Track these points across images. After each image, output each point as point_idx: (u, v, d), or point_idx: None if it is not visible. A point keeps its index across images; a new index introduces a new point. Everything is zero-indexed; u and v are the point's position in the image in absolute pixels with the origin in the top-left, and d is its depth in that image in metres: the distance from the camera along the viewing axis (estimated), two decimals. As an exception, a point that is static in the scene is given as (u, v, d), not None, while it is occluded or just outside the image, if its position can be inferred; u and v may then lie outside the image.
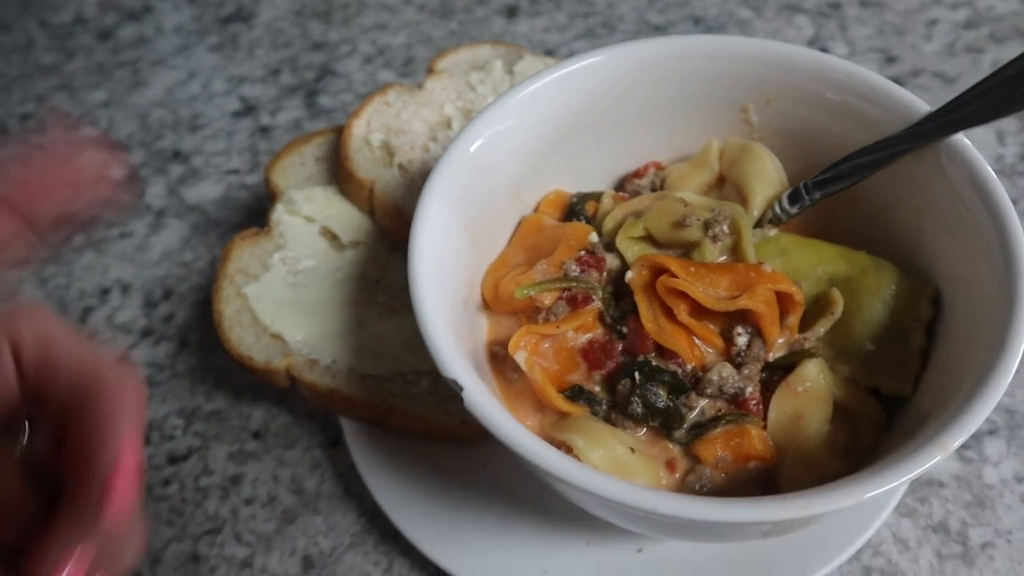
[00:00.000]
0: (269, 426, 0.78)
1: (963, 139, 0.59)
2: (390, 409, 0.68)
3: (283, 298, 0.73)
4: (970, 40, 1.05)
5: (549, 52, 1.09)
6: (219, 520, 0.73)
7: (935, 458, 0.47)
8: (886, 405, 0.61)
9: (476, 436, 0.68)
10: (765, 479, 0.57)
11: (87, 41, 1.20)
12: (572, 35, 1.11)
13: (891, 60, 1.04)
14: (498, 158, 0.65)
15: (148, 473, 0.76)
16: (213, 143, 1.04)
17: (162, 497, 0.74)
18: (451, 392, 0.69)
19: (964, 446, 0.72)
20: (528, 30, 1.13)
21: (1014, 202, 0.87)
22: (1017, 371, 0.75)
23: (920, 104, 0.62)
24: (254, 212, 0.95)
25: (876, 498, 0.63)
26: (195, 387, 0.81)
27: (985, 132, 0.94)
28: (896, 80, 0.98)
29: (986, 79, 0.57)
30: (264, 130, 1.05)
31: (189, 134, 1.06)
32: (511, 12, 1.15)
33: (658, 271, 0.61)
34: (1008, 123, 0.95)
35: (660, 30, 1.10)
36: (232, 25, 1.19)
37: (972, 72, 1.02)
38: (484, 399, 0.50)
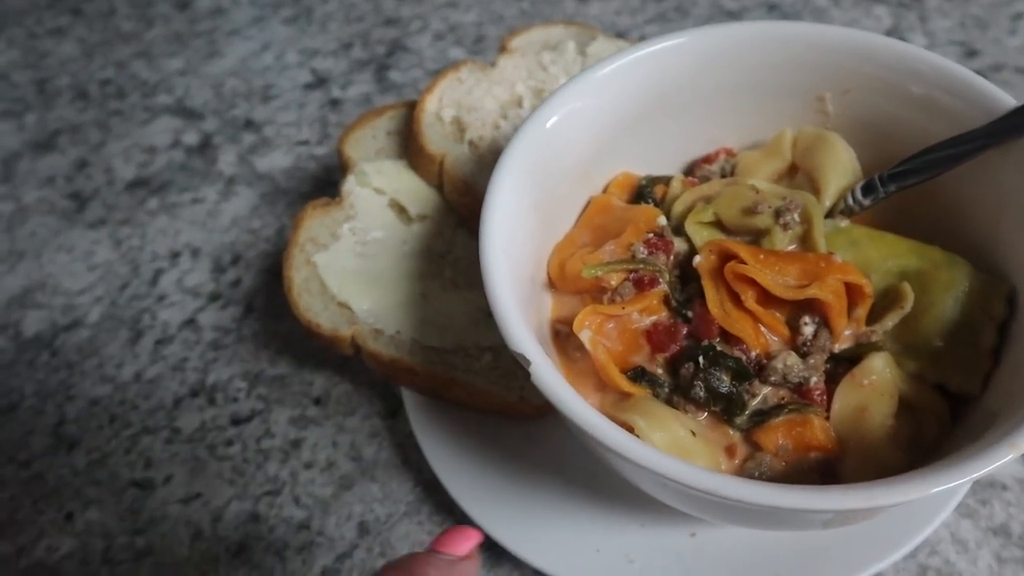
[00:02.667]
0: (330, 393, 0.79)
1: (1049, 136, 0.58)
2: (451, 381, 0.68)
3: (351, 268, 0.74)
4: (1056, 36, 1.02)
5: (620, 34, 1.08)
6: (279, 482, 0.74)
7: (1006, 457, 0.46)
8: (952, 403, 0.60)
9: (534, 412, 0.69)
10: (825, 470, 0.57)
11: (166, 10, 1.23)
12: (644, 18, 1.11)
13: (972, 54, 1.01)
14: (571, 137, 0.65)
15: (212, 433, 0.78)
16: (284, 114, 1.06)
17: (225, 457, 0.76)
18: (513, 367, 0.70)
19: (1030, 450, 0.70)
20: (600, 12, 1.12)
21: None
22: (1090, 376, 0.73)
23: (1005, 98, 0.60)
24: (322, 183, 0.97)
25: (938, 496, 0.63)
26: (259, 352, 0.83)
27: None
28: (977, 75, 0.97)
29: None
30: (334, 103, 1.06)
31: (261, 104, 1.08)
32: (583, -7, 1.15)
33: (726, 257, 0.60)
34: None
35: (734, 16, 1.09)
36: (306, -2, 1.21)
37: (1056, 69, 0.99)
38: (551, 374, 0.51)
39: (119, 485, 0.76)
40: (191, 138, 1.05)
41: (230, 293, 0.88)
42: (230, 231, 0.94)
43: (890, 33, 1.04)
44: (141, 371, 0.83)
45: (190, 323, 0.86)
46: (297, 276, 0.73)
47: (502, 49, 0.89)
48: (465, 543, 0.50)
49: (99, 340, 0.86)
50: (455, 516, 0.71)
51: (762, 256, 0.60)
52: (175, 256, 0.93)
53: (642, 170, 0.72)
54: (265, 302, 0.87)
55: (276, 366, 0.82)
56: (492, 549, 0.69)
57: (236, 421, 0.79)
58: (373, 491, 0.73)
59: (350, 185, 0.78)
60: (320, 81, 1.09)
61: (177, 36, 1.18)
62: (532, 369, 0.51)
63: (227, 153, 1.02)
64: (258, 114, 1.06)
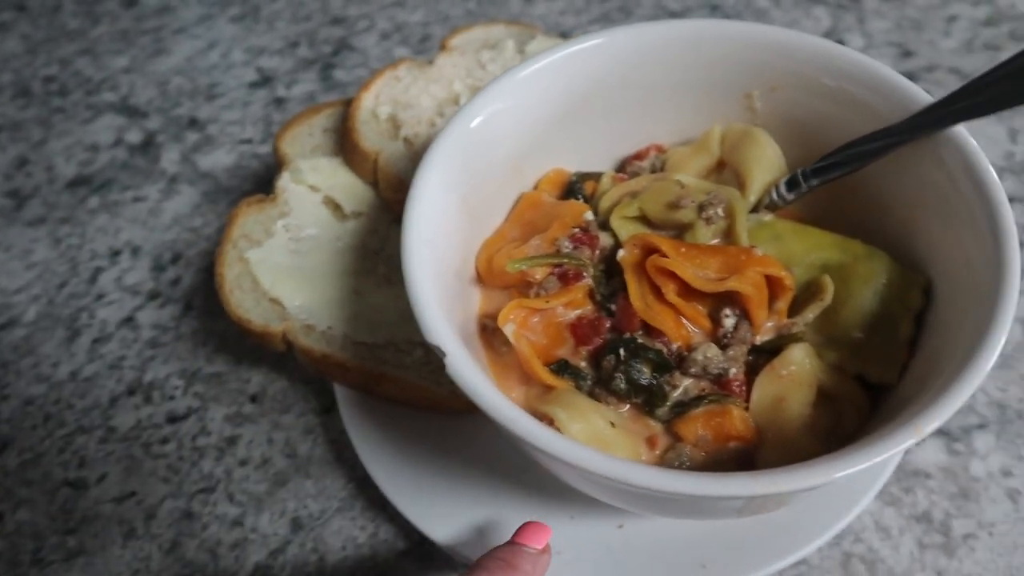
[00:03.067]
0: (266, 390, 0.79)
1: (962, 131, 0.59)
2: (382, 376, 0.69)
3: (284, 264, 0.74)
4: (989, 37, 1.04)
5: (564, 34, 1.09)
6: (213, 480, 0.74)
7: (908, 441, 0.47)
8: (872, 393, 0.61)
9: (465, 407, 0.69)
10: (744, 459, 0.58)
11: (113, 7, 1.22)
12: (588, 18, 1.12)
13: (907, 55, 1.03)
14: (498, 135, 0.66)
15: (148, 431, 0.77)
16: (229, 112, 1.05)
17: (160, 455, 0.76)
18: (440, 363, 0.70)
19: (953, 439, 0.72)
20: (545, 11, 1.13)
21: (1021, 200, 0.87)
22: (1010, 366, 0.75)
23: (922, 95, 0.62)
24: (264, 181, 0.97)
25: (855, 483, 0.64)
26: (197, 350, 0.83)
27: (997, 130, 0.94)
28: (911, 75, 0.99)
29: (986, 73, 0.57)
30: (279, 101, 1.06)
31: (206, 102, 1.07)
32: (529, -7, 1.16)
33: (649, 250, 0.61)
34: (1020, 122, 0.94)
35: (676, 16, 1.10)
36: (254, -3, 1.21)
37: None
38: (466, 366, 0.51)
39: (51, 485, 0.75)
40: (134, 136, 1.04)
41: (169, 291, 0.88)
42: (171, 229, 0.94)
43: (829, 34, 1.06)
44: (77, 370, 0.83)
45: (128, 321, 0.86)
46: (229, 273, 0.73)
47: (442, 48, 0.89)
48: (543, 536, 0.55)
49: (35, 339, 0.85)
50: (388, 512, 0.71)
51: (683, 249, 0.60)
52: (115, 255, 0.92)
53: (574, 166, 0.73)
54: (204, 300, 0.86)
55: (213, 364, 0.82)
56: (423, 544, 0.69)
57: (172, 419, 0.78)
58: (307, 487, 0.73)
59: (284, 182, 0.78)
60: (265, 80, 1.09)
61: (123, 34, 1.18)
62: (447, 360, 0.51)
63: (170, 151, 1.02)
64: (202, 112, 1.06)
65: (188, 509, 0.73)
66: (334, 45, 1.12)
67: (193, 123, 1.05)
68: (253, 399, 0.79)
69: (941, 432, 0.72)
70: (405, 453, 0.69)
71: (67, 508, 0.73)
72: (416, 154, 0.78)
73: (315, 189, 0.79)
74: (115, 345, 0.84)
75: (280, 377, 0.80)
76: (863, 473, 0.64)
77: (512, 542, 0.54)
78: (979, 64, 1.01)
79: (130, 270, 0.90)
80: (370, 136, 0.78)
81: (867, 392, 0.61)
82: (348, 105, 0.83)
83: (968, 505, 0.69)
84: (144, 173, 1.00)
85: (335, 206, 0.79)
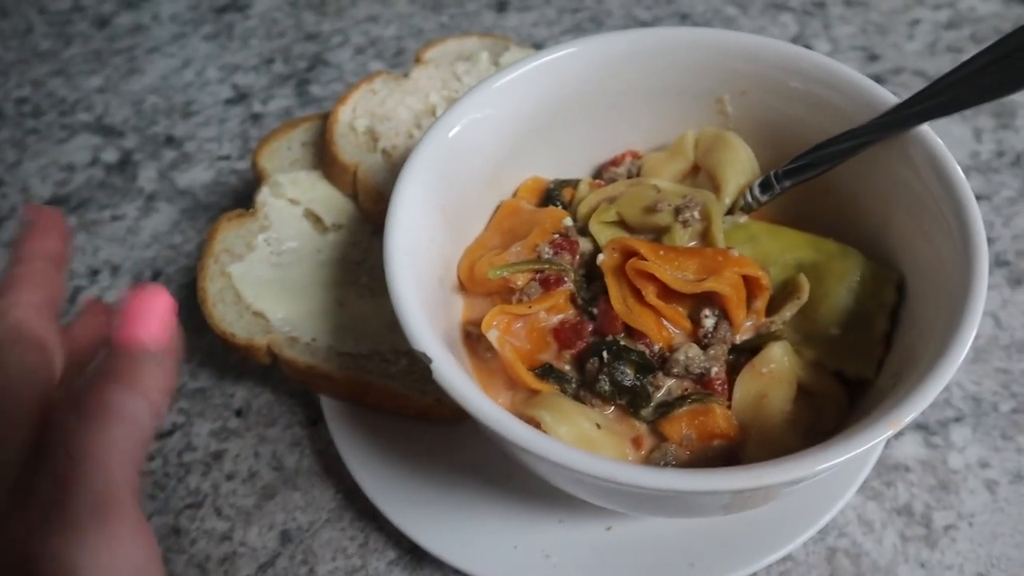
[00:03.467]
0: (251, 404, 0.79)
1: (928, 130, 0.60)
2: (368, 386, 0.69)
3: (266, 277, 0.74)
4: (951, 40, 1.07)
5: (537, 45, 1.10)
6: (200, 495, 0.74)
7: (885, 434, 0.48)
8: (850, 388, 0.62)
9: (452, 415, 0.70)
10: (729, 456, 0.59)
11: (85, 28, 1.22)
12: (560, 29, 1.13)
13: (873, 58, 1.05)
14: (476, 144, 0.66)
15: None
16: (205, 129, 1.06)
17: (145, 472, 0.76)
18: (426, 371, 0.71)
19: (931, 432, 0.73)
20: (517, 24, 1.14)
21: (988, 198, 0.89)
22: (984, 360, 0.77)
23: (888, 96, 0.63)
24: (242, 197, 0.97)
25: (836, 478, 0.66)
26: (180, 365, 0.82)
27: (962, 129, 0.96)
28: (877, 78, 1.01)
29: (950, 73, 0.58)
30: (255, 117, 1.06)
31: (182, 120, 1.07)
32: (501, 6, 1.17)
33: (628, 254, 0.62)
34: (984, 121, 0.97)
35: (647, 26, 1.12)
36: (227, 15, 1.21)
37: (953, 71, 1.03)
38: (452, 371, 0.52)
39: (36, 505, 0.75)
40: (110, 155, 1.04)
41: (150, 309, 0.88)
42: (150, 247, 0.94)
43: (796, 39, 1.08)
44: (59, 390, 0.82)
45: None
46: (211, 287, 0.73)
47: (417, 60, 0.90)
48: (158, 310, 0.44)
49: (15, 361, 0.85)
50: (377, 521, 0.71)
51: (662, 252, 0.61)
52: (94, 273, 0.92)
53: (551, 174, 0.74)
54: (186, 316, 0.86)
55: (197, 379, 0.82)
56: (413, 552, 0.70)
57: (157, 436, 0.78)
58: (295, 499, 0.73)
59: (264, 196, 0.79)
60: (241, 96, 1.09)
61: (96, 54, 1.17)
62: (434, 367, 0.52)
63: (147, 169, 1.02)
64: (179, 130, 1.06)
65: (176, 525, 0.72)
66: (309, 60, 1.13)
67: (170, 141, 1.05)
68: (238, 413, 0.79)
69: (919, 426, 0.74)
70: (393, 462, 0.70)
71: (53, 529, 0.73)
72: (395, 165, 0.79)
73: (295, 203, 0.80)
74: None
75: (265, 390, 0.80)
76: (844, 467, 0.65)
77: (117, 348, 0.42)
78: (942, 66, 1.03)
79: (110, 288, 0.90)
80: (348, 149, 0.79)
81: (845, 387, 0.62)
82: (325, 119, 0.83)
83: (948, 497, 0.70)
84: (121, 192, 1.00)
85: (316, 219, 0.80)
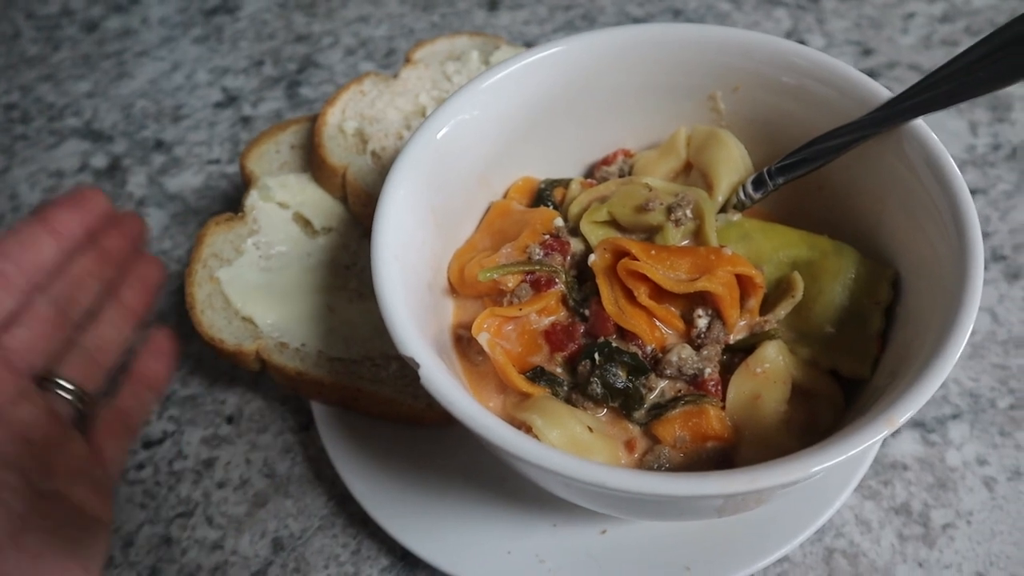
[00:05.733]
0: (242, 411, 0.78)
1: (922, 124, 0.60)
2: (358, 391, 0.68)
3: (255, 282, 0.73)
4: (946, 33, 1.06)
5: (528, 44, 1.10)
6: (191, 503, 0.73)
7: (881, 433, 0.47)
8: (846, 387, 0.61)
9: (443, 420, 0.69)
10: (723, 458, 0.58)
11: (73, 32, 1.21)
12: (552, 27, 1.12)
13: (867, 53, 1.04)
14: (465, 145, 0.66)
15: (123, 457, 0.77)
16: (195, 133, 1.05)
17: (136, 481, 0.75)
18: (416, 375, 0.70)
19: (928, 430, 0.73)
20: (509, 22, 1.13)
21: (985, 191, 0.88)
22: (981, 356, 0.76)
23: (881, 90, 0.62)
24: (233, 201, 0.96)
25: (833, 478, 0.65)
26: (171, 373, 0.82)
27: (958, 123, 0.95)
28: (871, 72, 1.00)
29: (942, 67, 0.58)
30: (245, 120, 1.05)
31: (172, 124, 1.06)
32: (492, 5, 1.16)
33: (620, 254, 0.61)
34: (980, 115, 0.96)
35: (640, 23, 1.11)
36: (217, 17, 1.20)
37: (948, 64, 1.03)
38: (440, 376, 0.51)
39: (26, 516, 0.74)
40: (100, 161, 1.03)
41: (141, 315, 0.87)
42: (140, 253, 0.93)
43: (790, 34, 1.07)
44: (49, 398, 0.81)
45: (99, 347, 0.85)
46: (200, 292, 0.72)
47: (406, 61, 0.89)
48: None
49: (5, 369, 0.84)
50: (370, 527, 0.70)
51: (653, 252, 0.61)
52: (84, 280, 0.91)
53: (543, 174, 0.73)
54: (176, 323, 0.86)
55: (188, 386, 0.81)
56: (406, 558, 0.69)
57: (147, 444, 0.77)
58: (287, 507, 0.72)
59: (253, 200, 0.78)
60: (231, 99, 1.08)
61: (85, 59, 1.17)
62: (421, 372, 0.51)
63: (137, 174, 1.01)
64: (168, 134, 1.05)
65: (167, 534, 0.72)
66: (299, 62, 1.12)
67: (159, 145, 1.04)
68: (229, 420, 0.78)
69: (916, 423, 0.73)
70: (385, 468, 0.69)
71: (43, 539, 0.72)
72: (384, 167, 0.78)
73: (284, 206, 0.79)
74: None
75: (256, 397, 0.79)
76: (840, 467, 0.65)
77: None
78: (937, 59, 1.03)
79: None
80: (337, 151, 0.78)
81: (841, 386, 0.61)
82: (314, 121, 0.83)
83: (946, 495, 0.69)
84: (111, 197, 0.98)
85: (305, 222, 0.79)
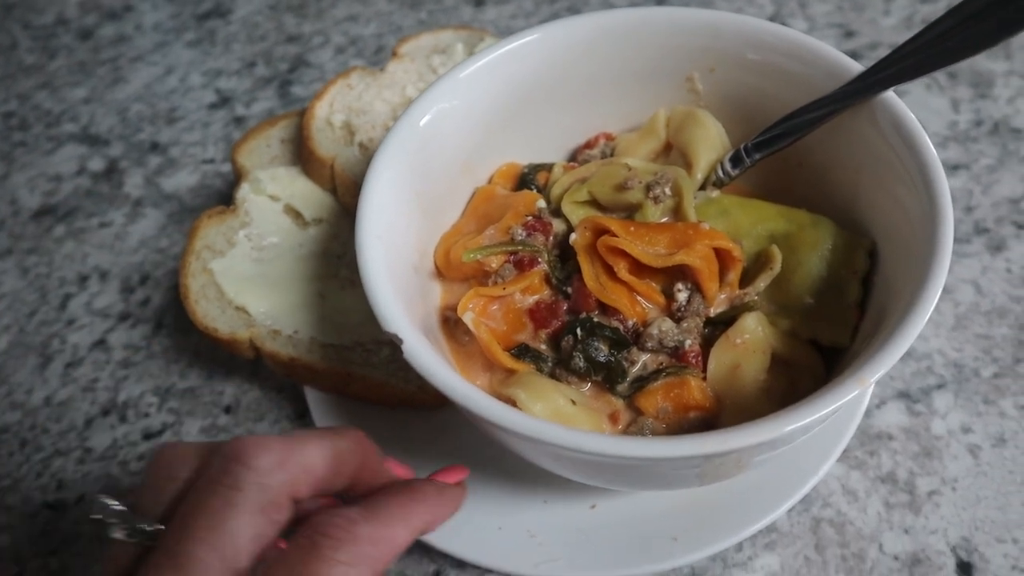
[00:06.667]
0: (240, 400, 0.80)
1: (892, 95, 0.61)
2: (350, 376, 0.70)
3: (248, 273, 0.75)
4: (927, 14, 1.07)
5: (516, 37, 1.11)
6: (192, 491, 0.75)
7: (852, 392, 0.48)
8: (827, 356, 0.62)
9: (435, 401, 0.70)
10: (705, 428, 0.59)
11: (68, 41, 1.23)
12: (538, 19, 1.14)
13: (850, 35, 1.06)
14: (447, 132, 0.67)
15: (124, 449, 0.78)
16: (189, 134, 1.06)
17: (137, 472, 0.77)
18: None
19: (913, 400, 0.74)
20: (495, 16, 1.15)
21: (968, 167, 0.90)
22: (964, 327, 0.77)
23: (853, 64, 0.64)
24: (227, 198, 0.97)
25: (815, 447, 0.66)
26: (169, 366, 0.84)
27: (940, 101, 0.96)
28: (854, 53, 1.01)
29: (912, 39, 0.59)
30: (239, 120, 1.07)
31: (166, 126, 1.08)
32: (479, 1, 1.18)
33: (600, 232, 0.63)
34: (963, 92, 0.97)
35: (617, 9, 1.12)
36: (209, 21, 1.22)
37: (930, 44, 1.04)
38: (423, 351, 0.52)
39: (31, 509, 0.75)
40: (97, 164, 1.05)
41: (139, 312, 0.89)
42: (138, 252, 0.94)
43: (772, 19, 1.08)
44: (51, 395, 0.83)
45: (100, 344, 0.87)
46: (194, 283, 0.74)
47: (393, 55, 0.91)
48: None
49: (7, 368, 0.86)
50: (366, 509, 0.72)
51: (632, 228, 0.62)
52: (83, 280, 0.93)
53: (526, 160, 0.75)
54: (174, 318, 0.87)
55: (186, 379, 0.82)
56: (402, 537, 0.70)
57: (148, 435, 0.79)
58: (285, 492, 0.74)
59: (244, 193, 0.80)
60: (224, 100, 1.10)
61: (81, 66, 1.18)
62: (404, 347, 0.52)
63: (133, 176, 1.03)
64: (163, 136, 1.07)
65: (168, 522, 0.73)
66: (290, 62, 1.14)
67: (155, 147, 1.06)
68: (227, 410, 0.79)
69: (901, 394, 0.74)
70: (379, 450, 0.70)
71: (47, 530, 0.74)
72: (371, 158, 0.79)
73: (275, 198, 0.80)
74: (88, 368, 0.85)
75: (253, 387, 0.81)
76: (822, 434, 0.66)
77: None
78: (920, 39, 1.04)
79: (99, 294, 0.91)
80: (325, 143, 0.80)
81: (823, 356, 0.62)
82: (303, 115, 0.84)
83: (931, 463, 0.70)
84: (108, 199, 1.00)
85: (296, 214, 0.80)
